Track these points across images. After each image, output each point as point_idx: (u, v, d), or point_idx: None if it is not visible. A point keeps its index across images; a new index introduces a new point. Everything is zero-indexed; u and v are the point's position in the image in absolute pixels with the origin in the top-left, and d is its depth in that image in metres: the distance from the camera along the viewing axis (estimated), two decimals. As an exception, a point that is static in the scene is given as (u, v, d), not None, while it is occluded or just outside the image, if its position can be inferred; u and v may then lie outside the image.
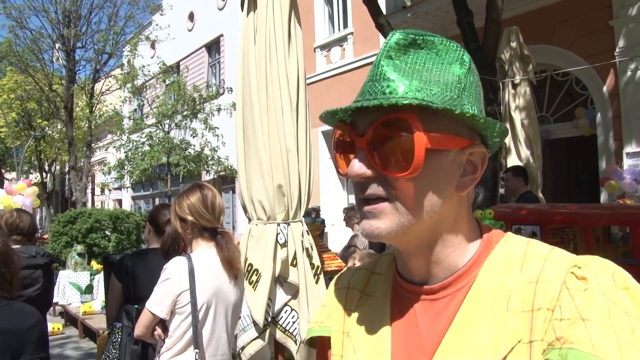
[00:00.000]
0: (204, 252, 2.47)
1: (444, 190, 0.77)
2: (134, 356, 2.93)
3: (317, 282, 3.54)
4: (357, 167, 0.75)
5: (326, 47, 13.75)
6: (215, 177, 17.22)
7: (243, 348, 3.38)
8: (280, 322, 3.45)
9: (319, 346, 0.97)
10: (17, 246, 3.71)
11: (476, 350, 0.72)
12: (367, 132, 0.75)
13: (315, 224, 5.03)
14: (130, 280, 3.01)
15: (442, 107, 0.72)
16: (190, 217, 2.46)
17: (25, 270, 3.62)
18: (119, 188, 21.08)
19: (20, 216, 3.79)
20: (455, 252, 0.80)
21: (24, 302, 3.54)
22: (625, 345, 0.63)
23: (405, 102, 0.71)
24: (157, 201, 20.74)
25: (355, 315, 0.89)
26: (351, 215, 6.57)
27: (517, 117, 6.55)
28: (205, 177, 17.09)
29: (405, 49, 0.77)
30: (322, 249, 4.58)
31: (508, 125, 6.63)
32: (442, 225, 0.79)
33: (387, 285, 0.88)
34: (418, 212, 0.76)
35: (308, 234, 3.58)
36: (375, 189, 0.76)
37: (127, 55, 18.83)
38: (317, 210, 11.08)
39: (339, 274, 1.01)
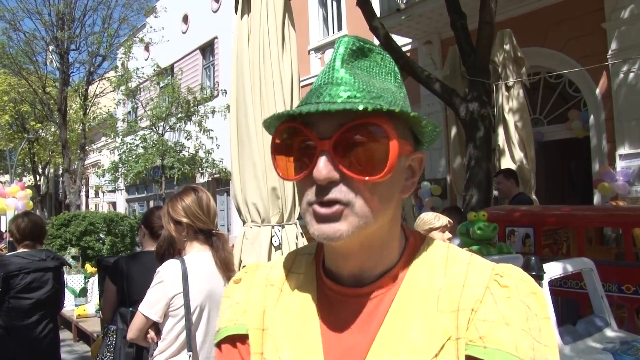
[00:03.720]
0: (197, 254, 2.46)
1: (395, 193, 0.80)
2: (128, 359, 2.92)
3: (311, 284, 3.54)
4: (325, 170, 0.73)
5: (320, 49, 13.77)
6: (210, 179, 17.19)
7: (237, 351, 3.37)
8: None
9: (229, 346, 0.91)
10: (27, 250, 3.74)
11: (410, 347, 0.75)
12: (334, 135, 0.74)
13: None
14: (125, 283, 3.00)
15: (415, 115, 0.75)
16: (185, 220, 2.45)
17: (35, 273, 3.66)
18: (113, 191, 21.00)
19: (30, 220, 3.85)
20: (388, 253, 0.83)
21: (34, 304, 3.61)
22: (537, 345, 0.72)
23: (391, 109, 0.72)
24: (151, 204, 20.67)
25: (275, 312, 0.87)
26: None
27: (511, 119, 6.58)
28: (200, 179, 17.07)
29: (356, 56, 0.79)
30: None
31: (502, 128, 6.68)
32: (384, 227, 0.81)
33: (310, 285, 0.87)
34: (374, 214, 0.76)
35: (302, 236, 3.58)
36: (338, 193, 0.75)
37: (121, 58, 18.77)
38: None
39: (249, 270, 0.97)
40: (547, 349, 0.73)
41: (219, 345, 0.92)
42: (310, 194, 0.77)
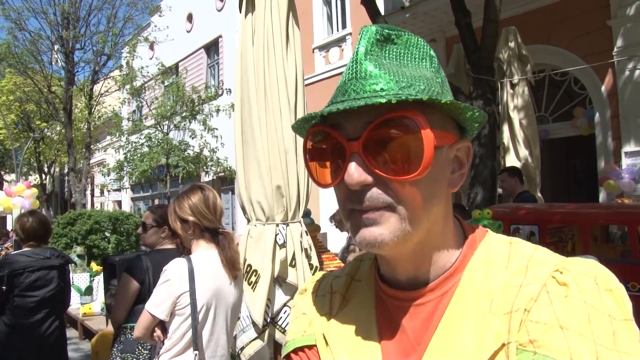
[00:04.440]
0: (203, 253, 2.47)
1: (440, 189, 0.73)
2: None
3: (316, 282, 3.54)
4: (357, 174, 0.68)
5: (325, 47, 13.77)
6: (214, 178, 17.23)
7: (242, 349, 3.39)
8: (280, 323, 3.45)
9: (299, 358, 0.87)
10: (31, 248, 3.76)
11: (461, 353, 0.68)
12: (362, 134, 0.68)
13: (314, 224, 5.03)
14: (152, 280, 2.93)
15: (449, 101, 0.68)
16: (192, 218, 2.46)
17: (40, 271, 3.67)
18: (119, 189, 21.10)
19: (35, 219, 3.86)
20: (444, 254, 0.76)
21: (38, 302, 3.62)
22: (603, 352, 0.62)
23: (418, 97, 0.67)
24: (156, 202, 20.73)
25: (334, 320, 0.84)
26: (341, 218, 6.55)
27: (516, 117, 6.57)
28: (205, 178, 17.10)
29: (382, 45, 0.73)
30: (321, 249, 4.58)
31: (507, 125, 6.66)
32: (435, 226, 0.74)
33: (369, 291, 0.84)
34: (421, 216, 0.71)
35: (307, 235, 3.58)
36: (375, 198, 0.69)
37: (125, 57, 18.83)
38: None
39: (314, 280, 0.95)
40: (626, 356, 0.62)
41: (288, 356, 0.88)
42: (347, 201, 0.72)
